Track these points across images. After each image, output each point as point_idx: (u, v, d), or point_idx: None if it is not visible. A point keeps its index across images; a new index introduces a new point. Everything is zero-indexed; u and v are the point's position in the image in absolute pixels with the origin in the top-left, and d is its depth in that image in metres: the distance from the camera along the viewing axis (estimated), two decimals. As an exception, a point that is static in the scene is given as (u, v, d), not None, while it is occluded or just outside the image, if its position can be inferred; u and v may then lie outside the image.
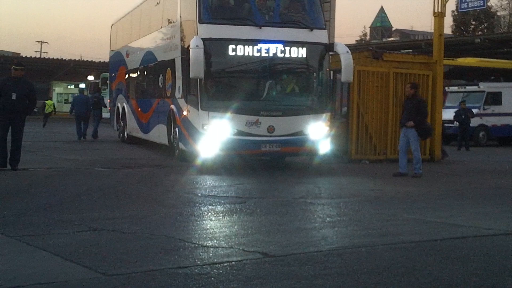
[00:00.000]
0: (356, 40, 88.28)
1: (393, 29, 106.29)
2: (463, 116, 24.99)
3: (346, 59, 14.71)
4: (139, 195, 10.73)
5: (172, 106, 16.35)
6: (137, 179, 13.13)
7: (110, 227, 7.77)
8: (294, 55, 14.68)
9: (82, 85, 56.45)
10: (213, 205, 9.77)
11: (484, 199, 11.40)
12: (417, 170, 14.19)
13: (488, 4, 55.64)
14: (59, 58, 51.47)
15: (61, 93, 61.49)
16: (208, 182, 12.76)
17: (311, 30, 14.93)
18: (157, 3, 18.90)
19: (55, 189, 11.29)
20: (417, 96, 14.84)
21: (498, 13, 67.31)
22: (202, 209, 9.46)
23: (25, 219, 8.23)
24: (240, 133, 14.12)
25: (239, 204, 9.79)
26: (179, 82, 15.82)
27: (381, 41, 75.81)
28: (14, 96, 13.02)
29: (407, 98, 14.81)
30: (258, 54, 14.38)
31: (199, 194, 11.09)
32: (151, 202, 9.98)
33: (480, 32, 60.48)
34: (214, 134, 13.99)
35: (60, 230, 7.57)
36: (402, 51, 30.77)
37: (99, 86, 40.95)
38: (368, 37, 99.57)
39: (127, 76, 22.96)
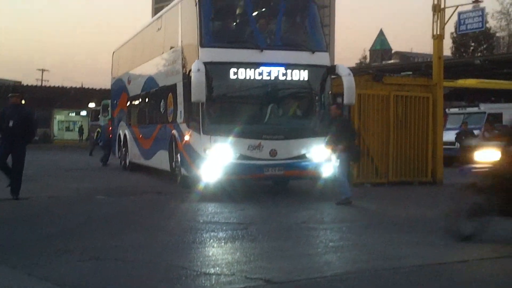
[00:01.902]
0: (356, 63, 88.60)
1: (392, 51, 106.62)
2: (463, 138, 24.96)
3: (348, 81, 14.64)
4: (141, 223, 10.68)
5: (174, 132, 16.36)
6: (139, 206, 13.10)
7: (113, 256, 7.73)
8: (295, 78, 14.66)
9: (83, 113, 56.68)
10: (215, 232, 9.73)
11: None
12: (341, 195, 13.07)
13: (487, 25, 56.00)
14: (60, 86, 51.67)
15: (62, 120, 61.64)
16: (210, 208, 12.72)
17: (313, 52, 14.92)
18: (158, 28, 19.01)
19: (57, 218, 11.26)
20: (343, 117, 14.27)
21: (497, 34, 67.58)
22: (204, 236, 9.42)
23: (27, 248, 8.20)
24: (242, 157, 14.05)
25: (241, 230, 9.74)
26: (180, 107, 15.84)
27: (381, 63, 76.08)
28: (11, 123, 13.03)
29: (332, 120, 13.86)
30: (260, 77, 14.38)
31: (201, 221, 11.05)
32: (153, 230, 9.94)
33: (479, 53, 60.68)
34: (216, 158, 13.93)
35: (62, 260, 7.53)
36: (402, 73, 30.82)
37: (100, 114, 41.16)
38: (368, 60, 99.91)
39: (128, 103, 23.01)
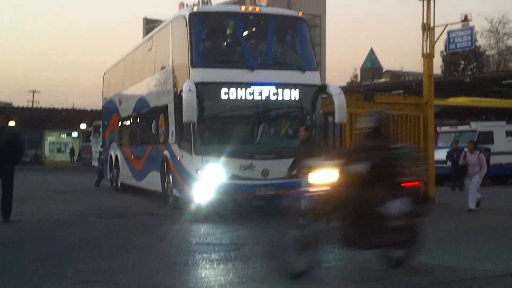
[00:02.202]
0: (347, 82, 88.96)
1: (383, 70, 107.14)
2: (455, 156, 24.98)
3: (339, 100, 14.70)
4: (133, 245, 10.62)
5: (166, 152, 16.31)
6: (130, 228, 13.03)
7: (104, 278, 7.67)
8: (286, 97, 14.70)
9: (75, 134, 56.56)
10: (207, 253, 9.68)
11: (479, 239, 11.31)
12: None
13: (477, 44, 56.40)
14: (51, 107, 51.55)
15: (54, 142, 61.48)
16: (202, 229, 12.66)
17: (303, 71, 14.99)
18: (149, 49, 19.02)
19: (48, 241, 11.18)
20: (312, 140, 13.66)
21: (487, 53, 68.09)
22: (197, 257, 9.37)
23: (17, 272, 8.13)
24: (234, 177, 14.04)
25: (233, 251, 9.70)
26: (172, 128, 15.81)
27: (372, 82, 76.45)
28: None
29: (301, 142, 13.13)
30: (251, 97, 14.41)
31: (193, 242, 10.99)
32: (145, 252, 9.88)
33: (469, 72, 61.13)
34: (208, 179, 13.91)
35: (53, 283, 7.46)
36: (393, 92, 31.00)
37: (92, 135, 41.03)
38: (358, 79, 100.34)
39: (120, 123, 22.96)
